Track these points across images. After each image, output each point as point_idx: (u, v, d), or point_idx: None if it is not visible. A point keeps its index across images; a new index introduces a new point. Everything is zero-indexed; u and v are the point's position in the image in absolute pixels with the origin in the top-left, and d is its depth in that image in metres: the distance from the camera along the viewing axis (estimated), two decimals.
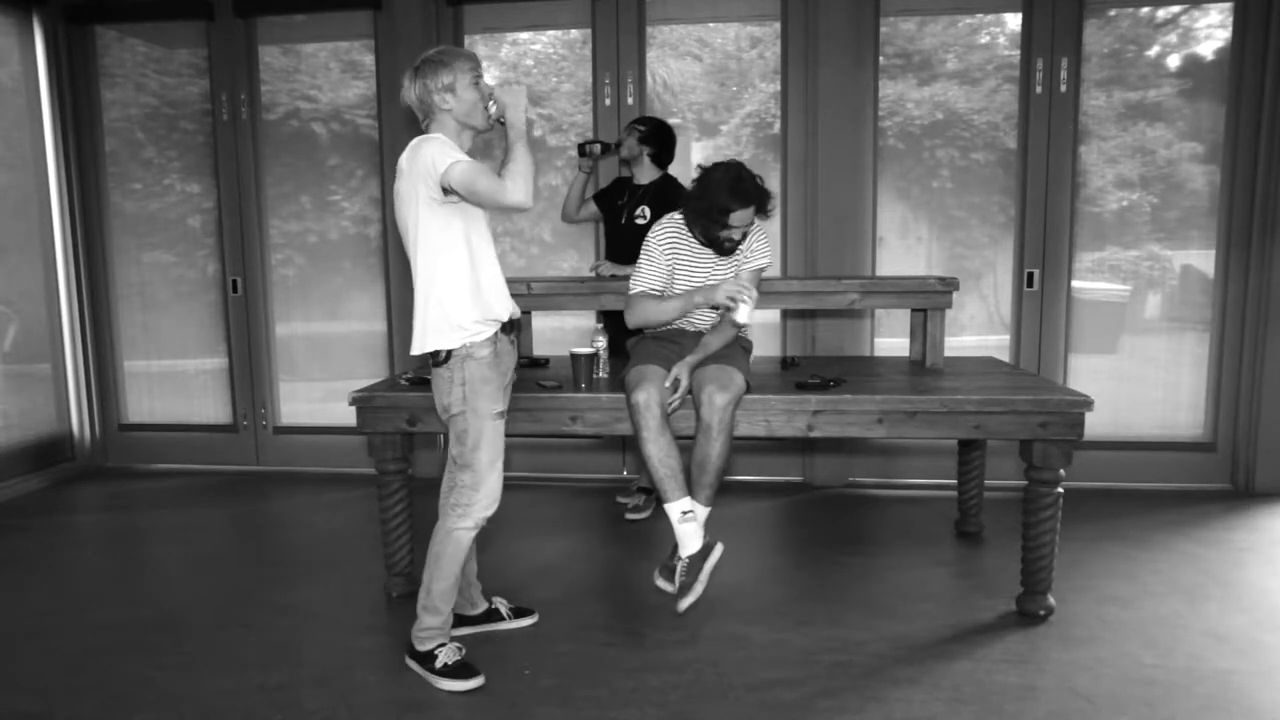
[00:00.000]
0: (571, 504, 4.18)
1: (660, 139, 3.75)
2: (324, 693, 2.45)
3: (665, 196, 3.66)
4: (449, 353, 2.44)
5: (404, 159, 2.42)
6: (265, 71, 4.71)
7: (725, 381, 2.74)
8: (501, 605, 2.87)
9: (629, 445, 4.53)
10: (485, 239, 2.51)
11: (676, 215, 3.01)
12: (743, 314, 2.83)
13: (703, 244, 2.98)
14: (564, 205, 3.98)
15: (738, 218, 2.82)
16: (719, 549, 2.85)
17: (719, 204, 2.81)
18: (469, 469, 2.47)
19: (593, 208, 3.93)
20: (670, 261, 3.00)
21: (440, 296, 2.42)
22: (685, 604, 2.80)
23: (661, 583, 2.93)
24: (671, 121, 3.93)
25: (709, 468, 2.78)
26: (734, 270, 3.01)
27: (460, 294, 2.42)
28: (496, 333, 2.48)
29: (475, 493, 2.47)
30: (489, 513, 2.51)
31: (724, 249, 2.93)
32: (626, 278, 3.63)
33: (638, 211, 3.73)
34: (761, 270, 3.07)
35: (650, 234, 3.02)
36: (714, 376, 2.76)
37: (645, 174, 3.78)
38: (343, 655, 2.67)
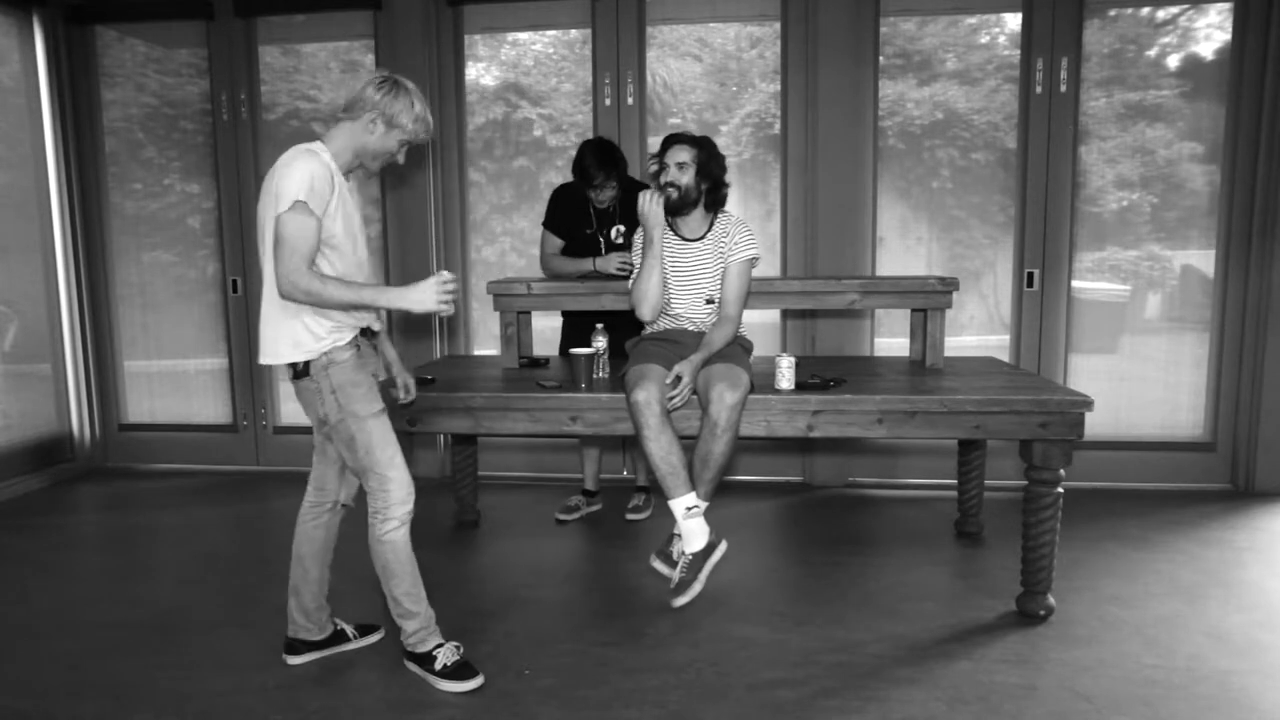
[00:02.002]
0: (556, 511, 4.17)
1: (623, 169, 3.59)
2: (324, 693, 2.45)
3: (631, 201, 3.63)
4: (307, 364, 2.36)
5: (279, 162, 2.29)
6: (265, 71, 4.71)
7: (735, 380, 2.75)
8: (347, 627, 2.76)
9: (627, 445, 4.53)
10: (346, 250, 2.36)
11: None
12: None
13: (679, 236, 3.10)
14: (549, 268, 3.77)
15: (670, 154, 3.05)
16: (722, 548, 2.90)
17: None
18: (370, 472, 2.42)
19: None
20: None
21: (301, 310, 2.31)
22: (682, 601, 2.85)
23: (659, 564, 2.95)
24: (671, 122, 3.92)
25: (711, 464, 2.80)
26: (720, 263, 3.07)
27: (317, 310, 2.33)
28: (356, 335, 2.41)
29: (387, 494, 2.42)
30: (409, 506, 2.45)
31: (660, 186, 3.05)
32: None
33: (613, 233, 3.69)
34: (753, 262, 3.09)
35: (636, 236, 3.18)
36: (723, 375, 2.78)
37: (604, 191, 3.61)
38: (343, 655, 2.67)
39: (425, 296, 2.29)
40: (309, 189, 2.22)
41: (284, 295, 2.26)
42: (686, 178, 3.00)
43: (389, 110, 2.32)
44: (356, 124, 2.34)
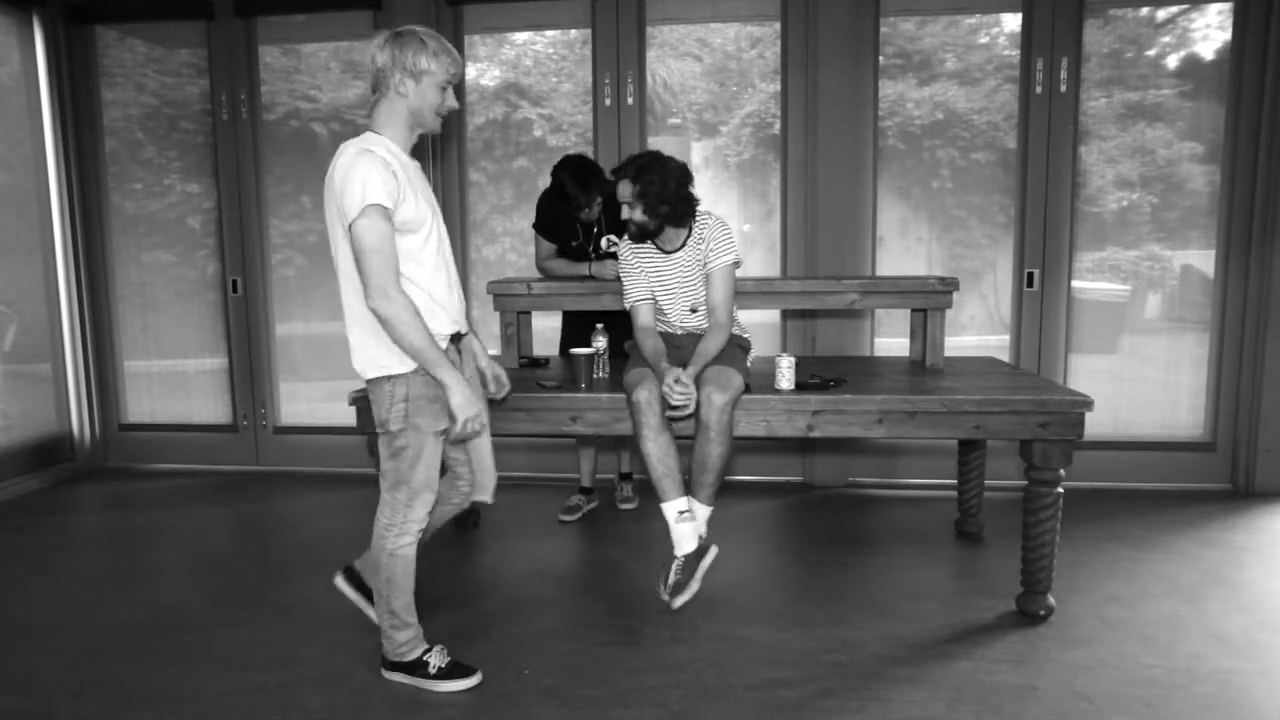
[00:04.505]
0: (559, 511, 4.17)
1: (602, 181, 3.52)
2: (324, 693, 2.45)
3: (615, 210, 3.62)
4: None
5: (334, 168, 2.20)
6: (265, 71, 4.71)
7: (724, 382, 2.75)
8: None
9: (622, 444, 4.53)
10: (432, 251, 2.30)
11: None
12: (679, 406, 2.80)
13: (659, 250, 3.04)
14: (546, 270, 3.76)
15: (619, 192, 2.93)
16: (714, 551, 2.92)
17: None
18: (404, 486, 2.36)
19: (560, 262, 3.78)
20: (641, 271, 3.07)
21: (378, 325, 2.24)
22: (679, 602, 2.86)
23: (662, 592, 2.94)
24: (671, 122, 3.91)
25: (708, 468, 2.80)
26: (701, 270, 3.00)
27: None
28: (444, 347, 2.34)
29: (410, 510, 2.39)
30: (424, 524, 2.44)
31: (629, 231, 3.01)
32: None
33: (604, 245, 3.68)
34: (734, 266, 3.00)
35: (620, 256, 3.15)
36: (712, 377, 2.77)
37: (593, 210, 3.61)
38: (343, 655, 2.67)
39: (468, 405, 2.27)
40: (375, 189, 2.13)
41: (372, 306, 2.19)
42: (636, 214, 2.91)
43: (405, 63, 2.19)
44: (389, 97, 2.24)
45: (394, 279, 2.19)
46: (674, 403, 2.74)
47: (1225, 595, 3.02)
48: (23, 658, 2.69)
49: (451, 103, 2.30)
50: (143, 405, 5.07)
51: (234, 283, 4.82)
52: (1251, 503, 4.06)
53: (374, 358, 2.30)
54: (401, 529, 2.40)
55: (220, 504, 4.32)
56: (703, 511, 2.89)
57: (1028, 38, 4.18)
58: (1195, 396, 4.35)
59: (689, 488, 2.87)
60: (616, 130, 4.41)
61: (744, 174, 4.50)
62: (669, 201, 2.89)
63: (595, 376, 3.11)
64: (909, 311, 3.72)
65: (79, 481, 4.77)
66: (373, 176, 2.13)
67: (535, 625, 2.86)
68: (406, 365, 2.27)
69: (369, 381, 2.35)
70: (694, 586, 2.88)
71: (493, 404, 2.71)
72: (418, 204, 2.25)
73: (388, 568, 2.42)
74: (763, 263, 4.49)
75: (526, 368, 3.48)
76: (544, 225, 3.74)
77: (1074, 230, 4.28)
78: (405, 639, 2.48)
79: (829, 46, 4.16)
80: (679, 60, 4.53)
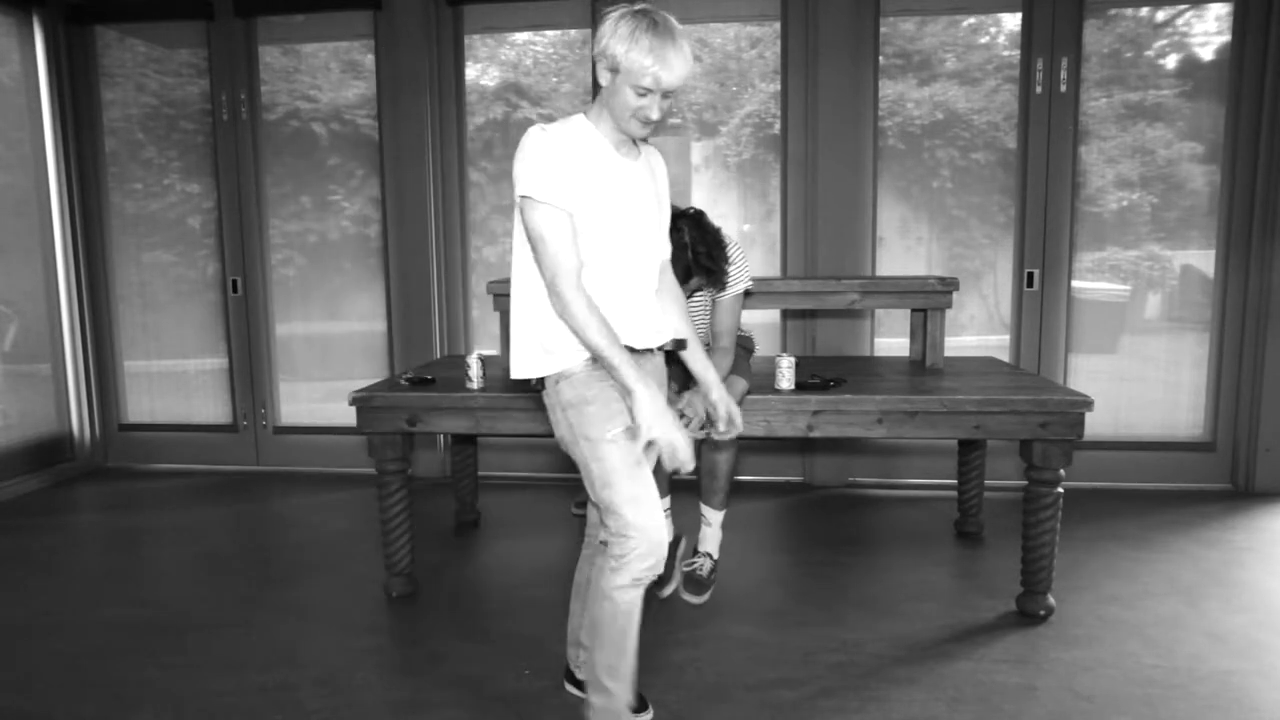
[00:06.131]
0: (572, 504, 4.17)
1: None
2: (324, 693, 2.45)
3: None
4: (542, 378, 2.03)
5: None
6: (265, 71, 4.71)
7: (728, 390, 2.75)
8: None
9: None
10: (606, 254, 1.94)
11: None
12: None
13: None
14: None
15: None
16: (684, 541, 3.12)
17: None
18: (608, 512, 1.95)
19: None
20: None
21: (535, 319, 1.97)
22: (666, 592, 3.02)
23: (687, 595, 3.03)
24: (671, 122, 3.89)
25: (718, 474, 2.83)
26: (709, 298, 2.93)
27: (557, 320, 1.94)
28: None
29: (626, 540, 1.93)
30: (650, 563, 1.94)
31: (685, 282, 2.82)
32: None
33: None
34: (744, 294, 2.94)
35: None
36: None
37: None
38: (343, 655, 2.67)
39: (665, 425, 1.88)
40: (533, 180, 1.85)
41: (560, 297, 1.88)
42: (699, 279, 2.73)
43: (609, 49, 1.81)
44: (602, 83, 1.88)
45: (567, 273, 1.87)
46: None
47: (1225, 595, 3.03)
48: (23, 658, 2.69)
49: (650, 113, 1.85)
50: (143, 405, 5.07)
51: (234, 283, 4.82)
52: (1251, 503, 4.06)
53: (520, 359, 2.03)
54: (618, 565, 1.95)
55: (220, 504, 4.32)
56: (716, 517, 2.97)
57: (1028, 38, 4.18)
58: (1195, 396, 4.35)
59: (700, 495, 2.91)
60: None
61: (744, 174, 4.50)
62: (722, 270, 2.74)
63: None
64: (909, 311, 3.72)
65: (79, 481, 4.77)
66: (535, 163, 1.86)
67: (535, 625, 2.86)
68: (547, 368, 1.99)
69: (543, 397, 2.07)
70: (676, 579, 3.02)
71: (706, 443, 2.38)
72: (598, 200, 1.91)
73: (596, 609, 2.02)
74: (763, 263, 4.49)
75: None
76: None
77: (1074, 230, 4.28)
78: (601, 705, 2.03)
79: (829, 46, 4.17)
80: None
